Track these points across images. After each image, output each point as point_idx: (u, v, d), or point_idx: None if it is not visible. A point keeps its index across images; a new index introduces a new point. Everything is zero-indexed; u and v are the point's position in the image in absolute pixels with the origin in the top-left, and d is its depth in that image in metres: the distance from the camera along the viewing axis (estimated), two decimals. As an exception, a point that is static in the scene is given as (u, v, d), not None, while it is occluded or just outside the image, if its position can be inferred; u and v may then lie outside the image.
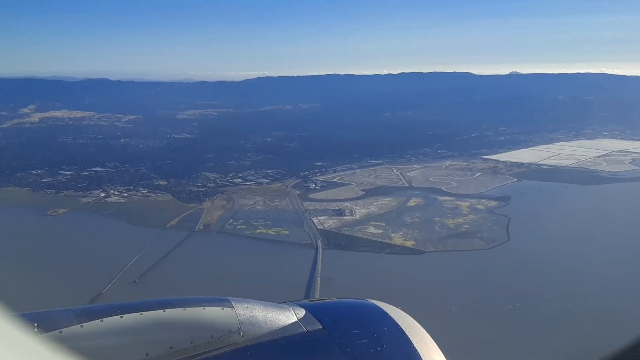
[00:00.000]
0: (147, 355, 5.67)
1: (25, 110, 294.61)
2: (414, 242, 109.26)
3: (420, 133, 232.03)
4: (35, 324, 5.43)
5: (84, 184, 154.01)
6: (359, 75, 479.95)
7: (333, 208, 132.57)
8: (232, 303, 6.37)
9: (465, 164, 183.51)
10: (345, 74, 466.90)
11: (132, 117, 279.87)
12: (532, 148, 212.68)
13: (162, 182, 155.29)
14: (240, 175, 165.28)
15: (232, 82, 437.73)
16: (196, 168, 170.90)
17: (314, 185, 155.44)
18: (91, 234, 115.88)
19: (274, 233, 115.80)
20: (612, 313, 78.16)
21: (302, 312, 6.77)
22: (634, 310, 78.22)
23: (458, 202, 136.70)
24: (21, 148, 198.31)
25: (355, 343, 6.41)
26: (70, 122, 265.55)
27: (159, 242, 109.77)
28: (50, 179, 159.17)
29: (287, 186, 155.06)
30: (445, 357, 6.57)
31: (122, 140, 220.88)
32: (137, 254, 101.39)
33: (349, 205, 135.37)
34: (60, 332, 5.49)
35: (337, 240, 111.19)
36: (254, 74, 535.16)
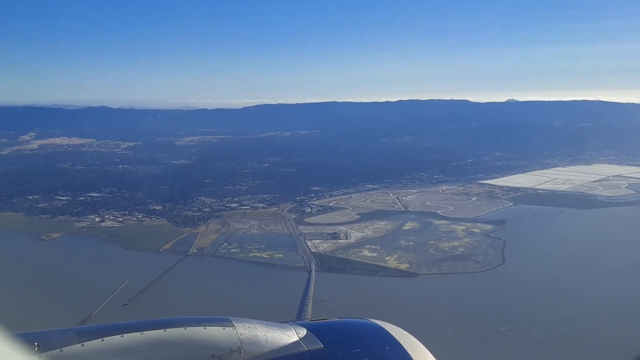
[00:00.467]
0: None
1: (25, 137, 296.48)
2: (408, 265, 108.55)
3: (417, 158, 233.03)
4: (36, 343, 5.42)
5: (79, 209, 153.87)
6: (358, 102, 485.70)
7: (328, 231, 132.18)
8: (233, 322, 6.40)
9: (461, 188, 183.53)
10: (344, 102, 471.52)
11: (131, 143, 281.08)
12: (529, 173, 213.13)
13: (158, 207, 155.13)
14: (236, 199, 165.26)
15: (231, 110, 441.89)
16: (192, 193, 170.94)
17: (309, 210, 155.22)
18: (83, 258, 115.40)
19: (267, 256, 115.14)
20: (606, 336, 77.16)
21: (303, 332, 6.76)
22: (628, 334, 77.27)
23: (454, 226, 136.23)
24: (18, 174, 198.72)
25: None
26: (69, 149, 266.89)
27: (151, 265, 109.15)
28: (46, 204, 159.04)
29: (283, 210, 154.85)
30: None
31: (120, 166, 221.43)
32: (128, 277, 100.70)
33: (344, 228, 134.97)
34: (61, 351, 5.48)
35: (330, 263, 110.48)
36: (253, 101, 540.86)
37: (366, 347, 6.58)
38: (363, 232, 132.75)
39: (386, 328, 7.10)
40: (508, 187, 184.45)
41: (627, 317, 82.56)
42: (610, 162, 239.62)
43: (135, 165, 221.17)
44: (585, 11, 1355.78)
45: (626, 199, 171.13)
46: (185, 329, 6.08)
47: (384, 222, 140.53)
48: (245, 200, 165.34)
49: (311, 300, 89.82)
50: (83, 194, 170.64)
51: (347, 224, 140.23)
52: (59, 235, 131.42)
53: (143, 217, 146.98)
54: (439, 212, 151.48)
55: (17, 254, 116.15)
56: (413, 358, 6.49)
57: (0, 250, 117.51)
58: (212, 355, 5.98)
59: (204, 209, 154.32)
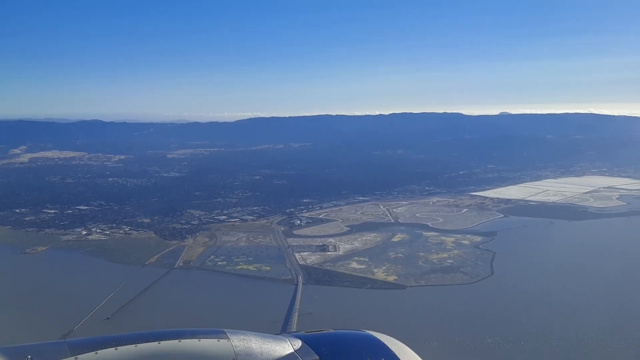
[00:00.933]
0: None
1: (16, 151, 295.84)
2: (396, 277, 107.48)
3: (409, 171, 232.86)
4: (29, 357, 5.36)
5: (66, 222, 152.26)
6: (351, 115, 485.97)
7: (317, 244, 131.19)
8: (228, 334, 6.37)
9: (452, 200, 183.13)
10: (337, 115, 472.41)
11: (123, 156, 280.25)
12: (520, 185, 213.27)
13: (146, 220, 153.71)
14: (225, 212, 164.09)
15: (224, 123, 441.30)
16: (181, 206, 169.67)
17: (299, 222, 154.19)
18: (68, 271, 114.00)
19: (254, 269, 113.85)
20: (594, 347, 76.25)
21: (298, 343, 6.74)
22: (616, 344, 76.45)
23: (443, 238, 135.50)
24: (7, 187, 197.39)
25: None
26: (59, 162, 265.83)
27: (136, 279, 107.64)
28: (33, 218, 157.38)
29: (272, 223, 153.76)
30: None
31: (110, 179, 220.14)
32: (113, 290, 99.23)
33: (333, 241, 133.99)
34: None
35: (318, 276, 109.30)
36: (247, 114, 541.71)
37: (361, 359, 6.62)
38: (352, 244, 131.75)
39: (382, 339, 7.07)
40: (499, 198, 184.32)
41: (617, 329, 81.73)
42: (602, 174, 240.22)
43: (126, 178, 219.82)
44: (578, 25, 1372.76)
45: (617, 210, 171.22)
46: (180, 341, 6.02)
47: (373, 234, 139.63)
48: (234, 212, 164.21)
49: (297, 313, 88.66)
50: (71, 207, 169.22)
51: (337, 236, 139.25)
52: (44, 248, 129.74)
53: (130, 230, 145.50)
54: (429, 223, 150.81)
55: (0, 268, 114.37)
56: None
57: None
58: None
59: (193, 222, 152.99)
